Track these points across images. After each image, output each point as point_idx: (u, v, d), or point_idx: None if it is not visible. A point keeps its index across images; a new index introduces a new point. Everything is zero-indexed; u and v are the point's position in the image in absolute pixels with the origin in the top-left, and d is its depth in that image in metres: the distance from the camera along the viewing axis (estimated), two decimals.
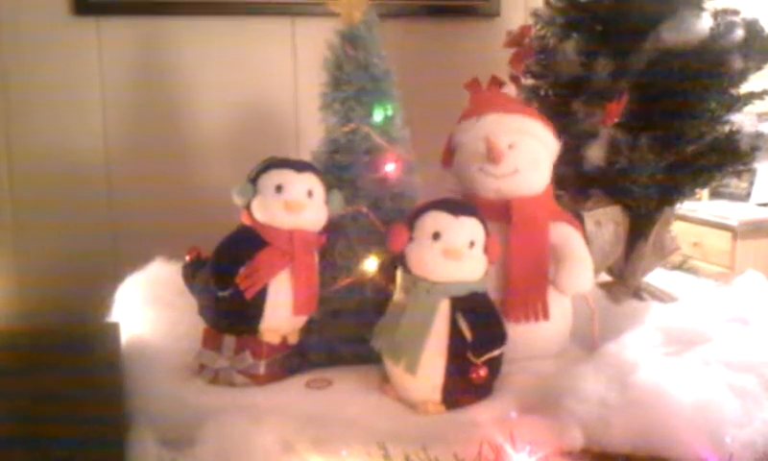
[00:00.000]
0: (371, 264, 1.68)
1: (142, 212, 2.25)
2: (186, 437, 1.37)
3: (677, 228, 2.15)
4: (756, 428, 1.33)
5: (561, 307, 1.71)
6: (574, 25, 2.04)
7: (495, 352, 1.51)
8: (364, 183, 1.72)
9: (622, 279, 2.06)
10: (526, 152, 1.73)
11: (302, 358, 1.69)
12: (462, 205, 1.60)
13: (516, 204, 1.69)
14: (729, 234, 3.06)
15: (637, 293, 2.04)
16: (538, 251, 1.66)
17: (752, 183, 3.37)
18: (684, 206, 2.11)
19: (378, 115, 1.73)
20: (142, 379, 1.57)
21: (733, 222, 3.06)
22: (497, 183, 1.71)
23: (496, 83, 1.88)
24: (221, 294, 1.59)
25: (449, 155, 1.84)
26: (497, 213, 1.68)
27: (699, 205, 3.22)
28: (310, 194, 1.64)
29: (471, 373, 1.47)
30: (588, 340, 1.73)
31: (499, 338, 1.52)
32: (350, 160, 1.72)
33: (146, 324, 1.81)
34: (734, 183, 3.39)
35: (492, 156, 1.68)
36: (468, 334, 1.48)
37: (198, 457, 1.33)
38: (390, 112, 1.75)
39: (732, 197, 3.40)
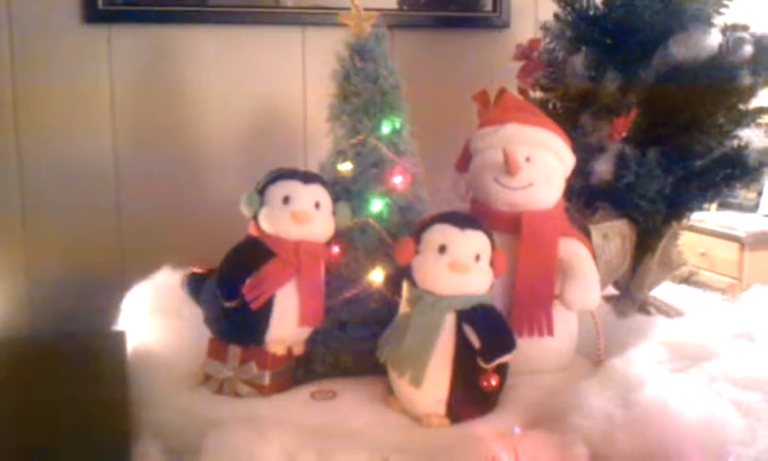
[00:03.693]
0: (377, 276, 1.68)
1: (150, 221, 2.25)
2: (191, 447, 1.37)
3: (684, 238, 2.15)
4: (762, 447, 1.32)
5: (566, 322, 1.70)
6: (583, 39, 2.04)
7: (506, 357, 1.50)
8: (371, 195, 1.72)
9: (628, 293, 2.05)
10: (542, 166, 1.73)
11: (307, 369, 1.69)
12: (468, 218, 1.60)
13: (526, 217, 1.68)
14: (736, 245, 3.05)
15: (644, 307, 2.04)
16: (545, 265, 1.65)
17: (760, 195, 3.35)
18: (692, 217, 2.10)
19: (386, 127, 1.73)
20: (148, 388, 1.58)
21: (741, 233, 3.05)
22: (511, 196, 1.71)
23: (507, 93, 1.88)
24: (227, 304, 1.59)
25: (465, 160, 1.83)
26: (507, 224, 1.68)
27: (707, 215, 3.20)
28: (317, 205, 1.64)
29: (482, 381, 1.46)
30: (594, 354, 1.73)
31: (509, 343, 1.50)
32: (358, 172, 1.73)
33: (152, 332, 1.81)
34: (742, 195, 3.37)
35: (509, 168, 1.68)
36: (476, 342, 1.47)
37: None
38: (398, 125, 1.75)
39: (740, 208, 3.39)
